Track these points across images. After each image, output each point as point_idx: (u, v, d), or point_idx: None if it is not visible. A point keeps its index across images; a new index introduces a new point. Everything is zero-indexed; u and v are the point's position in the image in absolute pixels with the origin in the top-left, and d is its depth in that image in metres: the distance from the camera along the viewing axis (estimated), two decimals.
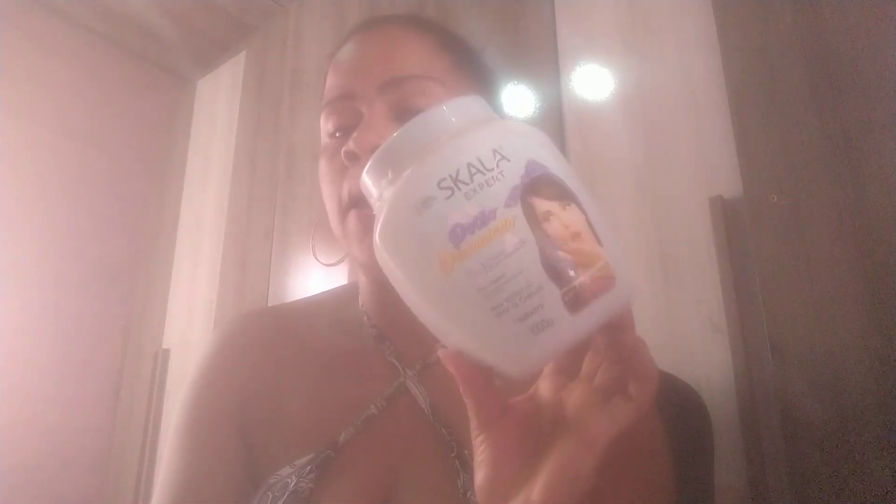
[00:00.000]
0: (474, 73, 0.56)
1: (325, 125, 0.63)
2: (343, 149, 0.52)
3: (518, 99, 1.27)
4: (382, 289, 0.52)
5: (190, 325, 1.87)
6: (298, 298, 0.72)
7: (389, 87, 0.51)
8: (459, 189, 0.31)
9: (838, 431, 0.74)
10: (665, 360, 0.94)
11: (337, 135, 0.60)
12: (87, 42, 2.08)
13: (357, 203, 0.51)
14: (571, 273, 0.31)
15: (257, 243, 1.75)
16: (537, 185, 0.32)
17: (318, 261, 0.69)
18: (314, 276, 1.52)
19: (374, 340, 0.54)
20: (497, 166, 0.32)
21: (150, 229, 2.14)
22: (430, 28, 0.56)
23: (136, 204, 2.14)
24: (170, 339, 1.91)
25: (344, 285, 0.67)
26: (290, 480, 0.46)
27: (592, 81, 1.17)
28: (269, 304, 1.58)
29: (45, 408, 1.76)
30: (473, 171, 0.32)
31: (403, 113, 0.50)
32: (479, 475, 0.33)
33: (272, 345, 0.57)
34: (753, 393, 0.83)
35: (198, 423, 0.53)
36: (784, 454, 0.78)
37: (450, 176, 0.32)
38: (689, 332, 0.93)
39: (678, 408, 0.65)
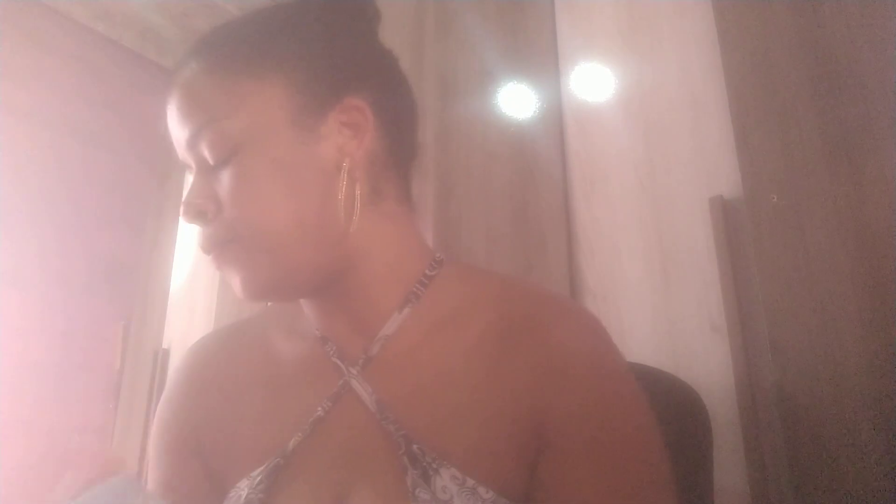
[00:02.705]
0: (287, 63, 0.49)
1: None
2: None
3: (518, 99, 1.27)
4: (313, 294, 0.52)
5: (190, 325, 1.87)
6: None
7: (190, 144, 0.49)
8: None
9: (838, 431, 0.74)
10: (665, 360, 0.94)
11: None
12: (88, 42, 2.08)
13: (208, 252, 0.50)
14: None
15: None
16: None
17: None
18: None
19: (319, 343, 0.53)
20: None
21: (151, 229, 2.14)
22: (217, 57, 0.49)
23: (136, 203, 2.14)
24: (170, 338, 1.91)
25: None
26: (242, 493, 0.46)
27: (592, 81, 1.17)
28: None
29: (45, 408, 1.76)
30: None
31: (212, 167, 0.48)
32: None
33: (225, 365, 0.56)
34: (753, 393, 0.83)
35: (164, 458, 0.54)
36: (784, 454, 0.78)
37: None
38: (689, 332, 0.93)
39: (677, 408, 0.65)
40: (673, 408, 0.65)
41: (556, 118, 1.19)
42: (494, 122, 1.28)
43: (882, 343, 0.73)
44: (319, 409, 0.48)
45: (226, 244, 0.48)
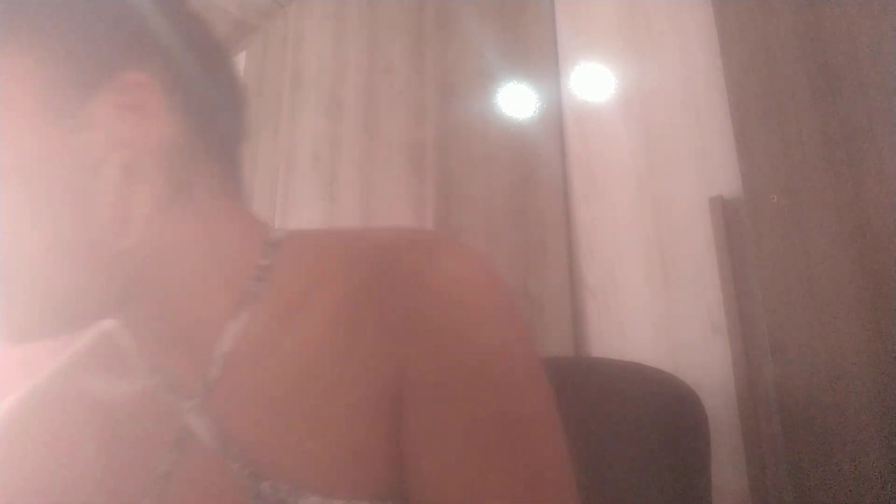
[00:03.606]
0: (40, 32, 0.38)
1: None
2: None
3: (518, 99, 1.27)
4: (131, 300, 0.41)
5: None
6: None
7: None
8: None
9: (838, 431, 0.74)
10: (665, 360, 0.94)
11: None
12: None
13: None
14: None
15: None
16: None
17: None
18: None
19: (148, 376, 0.43)
20: None
21: None
22: None
23: None
24: None
25: None
26: None
27: (592, 81, 1.17)
28: None
29: None
30: None
31: None
32: None
33: (39, 445, 0.45)
34: (753, 393, 0.83)
35: None
36: (784, 454, 0.78)
37: None
38: (689, 332, 0.93)
39: (674, 406, 0.65)
40: (670, 406, 0.65)
41: (556, 118, 1.19)
42: (494, 122, 1.28)
43: (882, 343, 0.73)
44: (161, 463, 0.39)
45: None
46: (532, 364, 0.38)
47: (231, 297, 0.41)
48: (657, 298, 0.97)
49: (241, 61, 2.11)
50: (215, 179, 0.45)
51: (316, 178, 1.67)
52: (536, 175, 1.19)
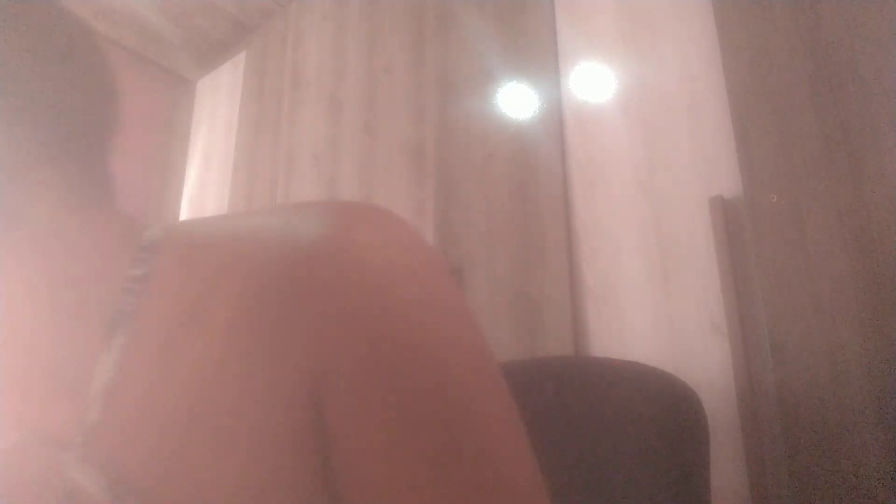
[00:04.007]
0: None
1: None
2: None
3: (518, 99, 1.27)
4: None
5: None
6: None
7: None
8: None
9: (838, 431, 0.74)
10: (665, 360, 0.94)
11: None
12: None
13: None
14: None
15: None
16: None
17: None
18: None
19: (13, 428, 0.37)
20: None
21: None
22: None
23: (136, 203, 2.14)
24: None
25: None
26: None
27: (592, 81, 1.17)
28: None
29: None
30: None
31: None
32: None
33: None
34: (753, 393, 0.83)
35: None
36: (784, 454, 0.78)
37: None
38: (689, 332, 0.93)
39: (674, 407, 0.65)
40: (669, 406, 0.65)
41: (556, 118, 1.19)
42: (494, 122, 1.28)
43: (882, 343, 0.73)
44: None
45: None
46: (473, 346, 0.33)
47: (101, 322, 0.35)
48: (657, 298, 0.97)
49: (241, 61, 2.11)
50: (64, 191, 0.38)
51: (316, 178, 1.67)
52: (536, 175, 1.19)
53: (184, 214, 2.09)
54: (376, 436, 0.30)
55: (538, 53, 1.25)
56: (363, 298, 0.31)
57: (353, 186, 1.56)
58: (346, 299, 0.31)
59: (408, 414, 0.30)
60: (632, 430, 0.67)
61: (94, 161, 0.41)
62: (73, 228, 0.37)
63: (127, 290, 0.36)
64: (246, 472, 0.31)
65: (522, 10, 1.30)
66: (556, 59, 1.23)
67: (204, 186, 2.06)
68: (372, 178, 1.52)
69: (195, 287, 0.35)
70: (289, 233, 0.34)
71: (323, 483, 0.31)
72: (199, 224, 0.40)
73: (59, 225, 0.37)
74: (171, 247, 0.38)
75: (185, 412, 0.32)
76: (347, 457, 0.31)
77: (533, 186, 1.19)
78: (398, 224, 0.35)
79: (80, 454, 0.33)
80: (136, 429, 0.33)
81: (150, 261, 0.37)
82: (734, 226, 0.91)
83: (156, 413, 0.33)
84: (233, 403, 0.32)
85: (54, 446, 0.34)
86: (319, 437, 0.31)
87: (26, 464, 0.35)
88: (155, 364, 0.34)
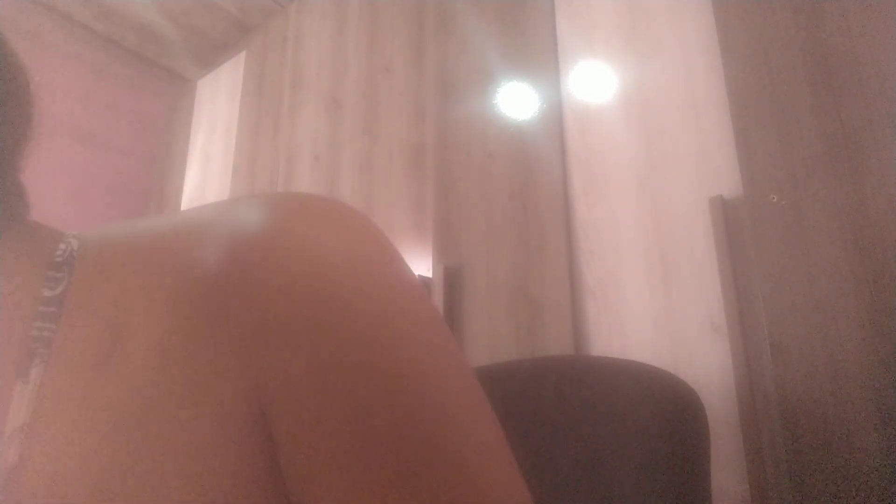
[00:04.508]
0: None
1: None
2: None
3: (518, 99, 1.27)
4: None
5: None
6: None
7: None
8: None
9: (838, 431, 0.74)
10: (665, 360, 0.94)
11: None
12: (87, 42, 2.08)
13: None
14: None
15: None
16: None
17: None
18: None
19: None
20: None
21: None
22: None
23: (136, 203, 2.14)
24: None
25: None
26: None
27: (592, 81, 1.17)
28: None
29: None
30: None
31: None
32: None
33: None
34: (753, 393, 0.83)
35: None
36: (784, 454, 0.78)
37: None
38: (689, 332, 0.93)
39: (674, 406, 0.65)
40: (670, 405, 0.65)
41: (556, 118, 1.19)
42: (494, 122, 1.28)
43: (882, 343, 0.73)
44: None
45: None
46: (436, 347, 0.30)
47: (14, 352, 0.31)
48: (657, 298, 0.97)
49: (241, 61, 2.11)
50: None
51: (316, 178, 1.67)
52: (536, 175, 1.19)
53: None
54: (325, 444, 0.27)
55: (538, 53, 1.25)
56: (302, 301, 0.28)
57: (353, 186, 1.56)
58: (284, 304, 0.28)
59: (357, 418, 0.27)
60: (632, 430, 0.66)
61: (6, 168, 0.36)
62: None
63: (41, 314, 0.32)
64: (188, 497, 0.28)
65: (522, 10, 1.30)
66: (556, 59, 1.23)
67: (204, 186, 2.06)
68: (372, 178, 1.52)
69: (116, 305, 0.31)
70: (219, 233, 0.31)
71: (275, 495, 0.29)
72: (115, 231, 0.36)
73: None
74: (86, 262, 0.34)
75: (114, 446, 0.29)
76: (297, 468, 0.28)
77: (533, 186, 1.19)
78: (344, 215, 0.31)
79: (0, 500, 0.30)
80: (61, 468, 0.30)
81: (62, 280, 0.33)
82: (734, 226, 0.91)
83: (81, 450, 0.29)
84: (168, 430, 0.29)
85: None
86: (266, 451, 0.29)
87: None
88: (78, 395, 0.30)
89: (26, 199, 0.36)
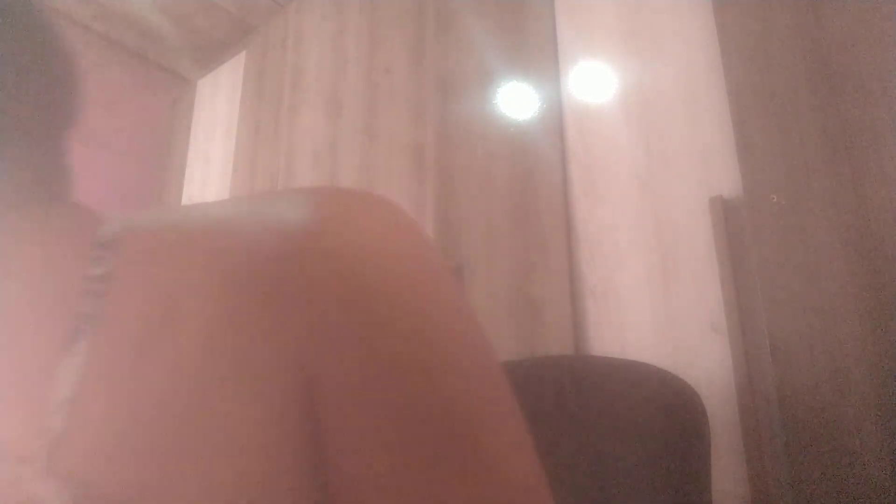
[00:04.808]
0: None
1: None
2: None
3: (518, 99, 1.27)
4: None
5: None
6: None
7: None
8: None
9: (838, 431, 0.74)
10: (665, 360, 0.94)
11: None
12: (87, 42, 2.08)
13: None
14: None
15: None
16: None
17: None
18: None
19: None
20: None
21: None
22: None
23: (136, 204, 2.14)
24: None
25: None
26: None
27: (592, 81, 1.17)
28: None
29: None
30: None
31: None
32: None
33: None
34: (753, 393, 0.83)
35: None
36: (784, 454, 0.78)
37: None
38: (689, 332, 0.93)
39: (675, 406, 0.65)
40: (671, 405, 0.65)
41: (556, 118, 1.19)
42: (494, 122, 1.28)
43: (882, 343, 0.73)
44: None
45: None
46: (474, 342, 0.32)
47: (60, 327, 0.32)
48: (657, 298, 0.97)
49: (241, 61, 2.11)
50: (14, 184, 0.36)
51: (316, 178, 1.67)
52: (536, 175, 1.19)
53: None
54: (371, 435, 0.29)
55: (538, 53, 1.25)
56: (355, 293, 0.30)
57: (353, 186, 1.56)
58: (338, 295, 0.30)
59: (404, 412, 0.28)
60: (633, 430, 0.67)
61: (46, 152, 0.38)
62: (24, 225, 0.35)
63: (87, 291, 0.33)
64: (229, 480, 0.29)
65: (522, 10, 1.30)
66: (556, 59, 1.23)
67: (204, 186, 2.06)
68: (372, 178, 1.52)
69: (165, 286, 0.32)
70: (272, 223, 0.32)
71: (316, 481, 0.30)
72: (161, 216, 0.37)
73: (9, 222, 0.34)
74: (131, 243, 0.34)
75: (160, 421, 0.30)
76: (341, 455, 0.29)
77: (533, 186, 1.19)
78: (391, 211, 0.32)
79: (42, 467, 0.31)
80: (106, 438, 0.31)
81: (109, 259, 0.34)
82: (734, 226, 0.91)
83: (128, 421, 0.30)
84: (217, 408, 0.30)
85: (11, 459, 0.32)
86: (312, 435, 0.30)
87: None
88: (125, 369, 0.31)
89: (70, 180, 0.38)
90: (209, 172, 2.06)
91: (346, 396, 0.29)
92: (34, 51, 0.37)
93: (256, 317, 0.30)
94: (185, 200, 2.11)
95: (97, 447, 0.31)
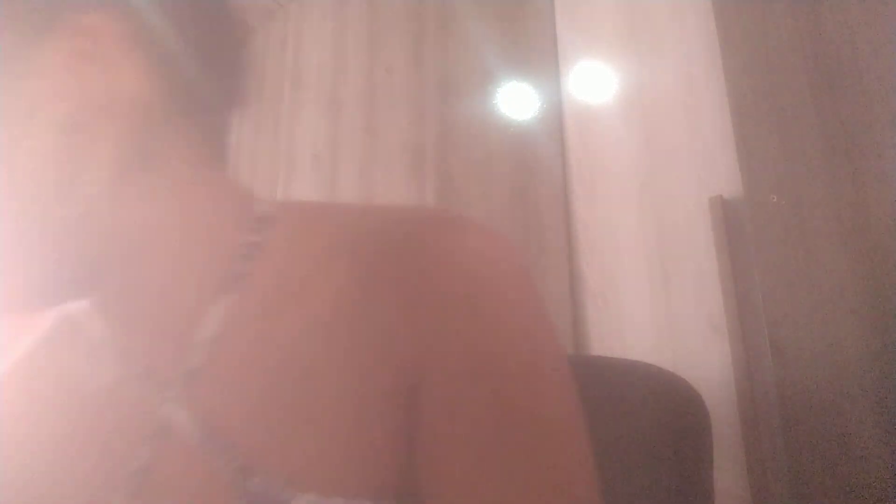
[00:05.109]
0: None
1: None
2: None
3: (518, 99, 1.27)
4: (100, 280, 0.37)
5: None
6: None
7: None
8: None
9: (838, 431, 0.74)
10: (665, 360, 0.94)
11: None
12: None
13: None
14: None
15: None
16: None
17: None
18: None
19: (121, 363, 0.38)
20: None
21: None
22: None
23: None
24: None
25: None
26: None
27: (592, 81, 1.17)
28: None
29: None
30: None
31: None
32: None
33: (13, 413, 0.42)
34: (753, 393, 0.83)
35: None
36: (784, 454, 0.78)
37: None
38: (689, 332, 0.93)
39: (677, 406, 0.65)
40: (673, 405, 0.65)
41: (556, 118, 1.19)
42: (494, 122, 1.28)
43: (882, 343, 0.73)
44: (135, 459, 0.34)
45: None
46: (561, 358, 0.35)
47: (214, 278, 0.37)
48: (657, 298, 0.97)
49: None
50: (194, 148, 0.39)
51: (316, 178, 1.67)
52: (536, 175, 1.19)
53: None
54: (464, 428, 0.31)
55: (538, 53, 1.25)
56: (474, 297, 0.33)
57: (353, 186, 1.56)
58: (458, 294, 0.33)
59: (497, 411, 0.31)
60: (634, 430, 0.66)
61: (221, 127, 0.43)
62: (202, 185, 0.39)
63: (241, 254, 0.37)
64: (336, 437, 0.32)
65: (522, 10, 1.30)
66: (556, 59, 1.23)
67: None
68: (372, 178, 1.52)
69: (305, 261, 0.37)
70: (398, 223, 0.36)
71: (404, 462, 0.32)
72: (309, 204, 0.43)
73: (191, 178, 0.38)
74: (284, 221, 0.40)
75: (284, 374, 0.34)
76: (433, 442, 0.32)
77: (533, 186, 1.19)
78: (501, 236, 0.38)
79: (177, 395, 0.35)
80: (236, 380, 0.35)
81: (263, 230, 0.39)
82: (734, 226, 0.91)
83: (255, 370, 0.34)
84: (333, 373, 0.33)
85: (153, 385, 0.36)
86: (410, 419, 0.32)
87: (125, 396, 0.37)
88: (262, 323, 0.35)
89: (227, 157, 0.43)
90: None
91: (445, 389, 0.32)
92: (220, 36, 0.41)
93: (379, 297, 0.34)
94: None
95: (229, 385, 0.35)
